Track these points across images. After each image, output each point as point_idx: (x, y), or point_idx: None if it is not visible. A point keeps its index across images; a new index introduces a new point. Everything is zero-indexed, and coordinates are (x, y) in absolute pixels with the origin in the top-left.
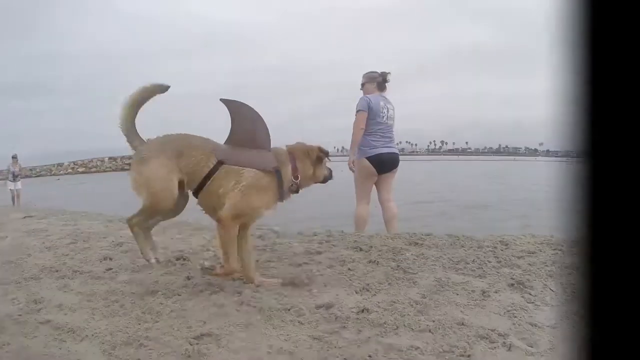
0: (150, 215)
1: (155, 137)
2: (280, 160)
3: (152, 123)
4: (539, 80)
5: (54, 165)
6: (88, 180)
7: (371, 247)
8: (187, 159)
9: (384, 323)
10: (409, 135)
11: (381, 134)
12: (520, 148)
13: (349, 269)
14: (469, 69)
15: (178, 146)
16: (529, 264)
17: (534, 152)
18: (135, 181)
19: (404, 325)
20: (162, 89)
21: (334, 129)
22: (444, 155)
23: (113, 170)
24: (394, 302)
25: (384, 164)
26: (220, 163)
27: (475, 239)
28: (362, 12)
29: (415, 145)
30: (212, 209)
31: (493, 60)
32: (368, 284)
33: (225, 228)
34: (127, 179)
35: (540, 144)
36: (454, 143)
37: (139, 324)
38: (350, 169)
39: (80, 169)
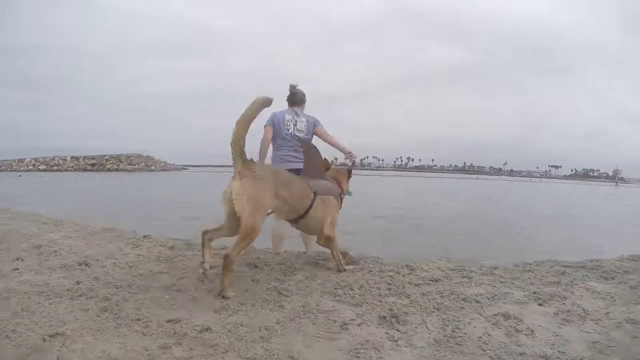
0: (250, 241)
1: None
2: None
3: (142, 124)
4: (506, 100)
5: (15, 161)
6: (48, 177)
7: (267, 264)
8: (292, 192)
9: (217, 345)
10: (378, 149)
11: (290, 149)
12: (485, 167)
13: None
14: (441, 87)
15: (284, 178)
16: (423, 294)
17: (498, 172)
18: (245, 194)
19: (234, 350)
20: (268, 102)
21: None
22: (409, 171)
23: (75, 170)
24: (242, 325)
25: None
26: (315, 194)
27: (381, 262)
28: (342, 23)
29: (382, 160)
30: (310, 231)
31: (464, 79)
32: (230, 303)
33: (332, 241)
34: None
35: (504, 164)
36: (420, 160)
37: (14, 319)
38: None
39: (41, 166)
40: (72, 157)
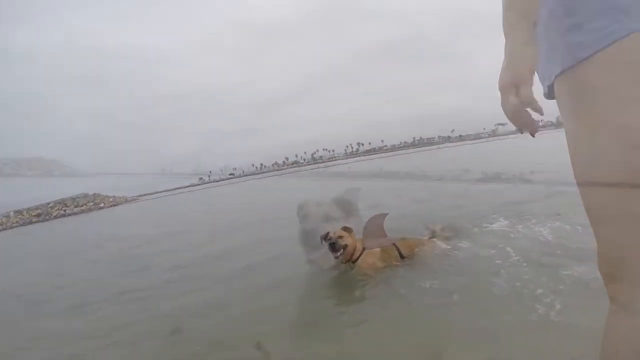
0: None
1: None
2: None
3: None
4: (448, 68)
5: None
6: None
7: None
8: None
9: None
10: (328, 141)
11: None
12: (434, 137)
13: None
14: (379, 66)
15: None
16: None
17: (447, 139)
18: None
19: None
20: None
21: (251, 149)
22: (361, 156)
23: (20, 225)
24: None
25: None
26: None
27: None
28: (266, 28)
29: (333, 151)
30: None
31: (400, 54)
32: None
33: None
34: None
35: (452, 131)
36: (369, 143)
37: None
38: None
39: None
40: (15, 212)
